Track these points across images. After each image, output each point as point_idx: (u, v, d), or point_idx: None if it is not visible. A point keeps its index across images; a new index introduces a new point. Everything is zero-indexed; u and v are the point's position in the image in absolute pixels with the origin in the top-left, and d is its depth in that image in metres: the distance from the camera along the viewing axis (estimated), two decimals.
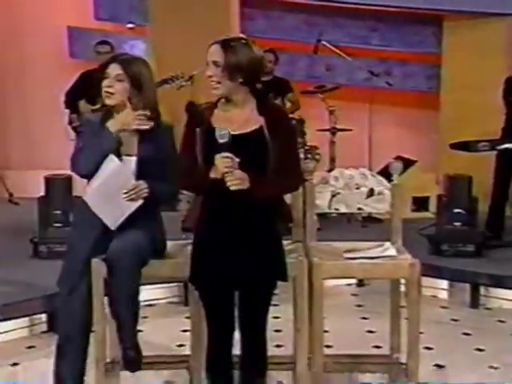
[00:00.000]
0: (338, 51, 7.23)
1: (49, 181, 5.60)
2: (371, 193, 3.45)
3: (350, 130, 6.83)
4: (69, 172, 5.80)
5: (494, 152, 5.77)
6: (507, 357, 4.20)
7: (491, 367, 4.07)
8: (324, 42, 7.16)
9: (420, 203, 6.88)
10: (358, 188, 3.44)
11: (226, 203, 2.72)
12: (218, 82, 2.71)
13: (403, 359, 3.40)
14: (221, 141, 2.67)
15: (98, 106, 5.60)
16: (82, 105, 6.18)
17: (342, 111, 6.83)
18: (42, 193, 5.60)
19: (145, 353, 3.42)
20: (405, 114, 7.95)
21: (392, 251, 3.31)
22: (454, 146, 5.87)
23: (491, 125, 6.05)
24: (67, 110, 6.42)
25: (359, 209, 3.48)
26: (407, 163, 6.88)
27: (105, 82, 3.12)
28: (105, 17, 8.19)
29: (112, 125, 3.09)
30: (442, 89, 7.79)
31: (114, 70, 3.10)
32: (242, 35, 2.88)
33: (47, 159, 7.65)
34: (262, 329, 2.90)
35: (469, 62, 7.32)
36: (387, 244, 3.39)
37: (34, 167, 7.77)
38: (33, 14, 8.00)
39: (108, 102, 3.14)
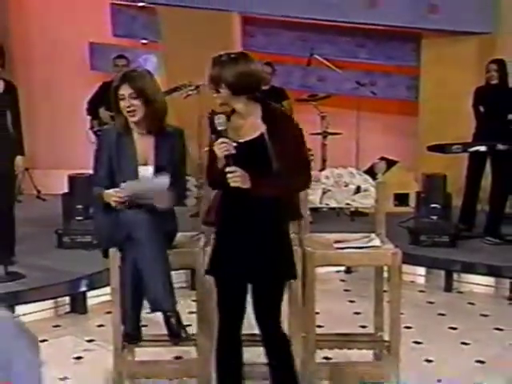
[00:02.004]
0: (328, 64, 7.23)
1: (72, 179, 5.60)
2: (358, 190, 3.43)
3: (340, 133, 6.81)
4: (90, 171, 5.87)
5: (466, 153, 5.76)
6: (477, 334, 4.21)
7: (463, 343, 4.09)
8: (316, 56, 7.16)
9: (401, 199, 6.86)
10: (346, 185, 3.42)
11: (240, 201, 2.68)
12: (216, 92, 2.69)
13: (386, 337, 3.39)
14: (219, 128, 2.64)
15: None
16: (102, 112, 6.16)
17: (333, 117, 6.81)
18: (66, 190, 5.60)
19: (156, 332, 3.43)
20: (388, 120, 7.93)
21: (376, 242, 3.29)
22: (431, 149, 5.85)
23: (464, 130, 6.03)
24: (89, 117, 6.40)
25: (347, 204, 3.46)
26: (390, 163, 6.88)
27: (123, 104, 3.01)
28: (122, 33, 8.18)
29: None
30: (420, 98, 7.77)
31: (126, 89, 2.99)
32: (235, 51, 2.82)
33: (71, 160, 7.64)
34: (276, 320, 2.81)
35: (444, 74, 7.30)
36: (372, 235, 3.38)
37: (58, 167, 7.75)
38: (60, 31, 7.99)
39: (133, 119, 3.03)
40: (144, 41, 7.82)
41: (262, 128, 2.71)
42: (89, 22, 8.00)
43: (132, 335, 3.10)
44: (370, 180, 3.49)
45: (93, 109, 6.33)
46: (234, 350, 2.90)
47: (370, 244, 3.26)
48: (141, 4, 7.71)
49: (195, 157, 6.20)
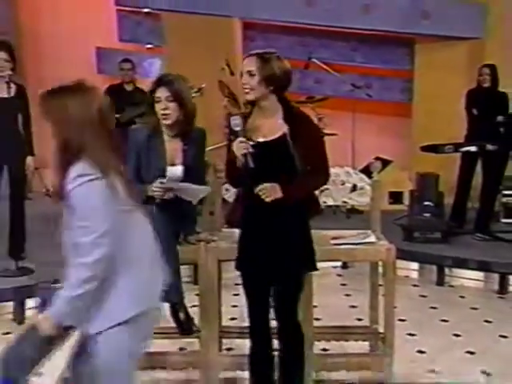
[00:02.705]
0: (325, 67, 7.22)
1: None
2: (354, 188, 3.45)
3: (336, 134, 6.80)
4: None
5: (458, 154, 5.76)
6: (467, 326, 4.22)
7: (454, 335, 4.10)
8: (314, 60, 7.16)
9: (395, 197, 6.86)
10: (342, 184, 3.43)
11: (262, 200, 2.65)
12: (252, 89, 2.64)
13: (381, 329, 3.39)
14: (236, 128, 2.63)
15: (120, 115, 5.61)
16: None
17: (329, 118, 6.80)
18: None
19: (162, 325, 3.42)
20: (383, 121, 7.93)
21: (372, 238, 3.29)
22: (424, 149, 5.86)
23: (456, 131, 6.03)
24: None
25: (344, 202, 3.47)
26: (385, 163, 6.86)
27: (159, 106, 2.99)
28: (127, 38, 8.18)
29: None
30: (414, 100, 7.78)
31: (163, 92, 2.98)
32: (273, 50, 2.76)
33: None
34: (294, 312, 2.82)
35: (436, 77, 7.31)
36: (368, 232, 3.37)
37: None
38: (69, 37, 7.98)
39: (167, 122, 3.02)
40: (149, 45, 7.80)
41: (284, 128, 2.68)
42: (96, 27, 8.00)
43: None
44: (366, 179, 3.50)
45: None
46: (263, 340, 2.89)
47: (365, 240, 3.26)
48: (146, 10, 7.70)
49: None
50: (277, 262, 2.71)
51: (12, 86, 4.65)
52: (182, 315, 2.96)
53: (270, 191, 2.60)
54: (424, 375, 3.47)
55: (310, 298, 3.20)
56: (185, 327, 2.97)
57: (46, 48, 8.17)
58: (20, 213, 4.85)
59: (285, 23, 7.63)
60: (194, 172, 3.06)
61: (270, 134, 2.69)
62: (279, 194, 2.60)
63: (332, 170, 3.13)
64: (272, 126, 2.70)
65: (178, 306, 2.96)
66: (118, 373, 2.16)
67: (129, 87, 6.26)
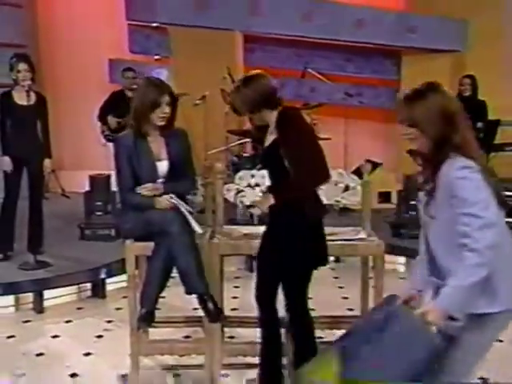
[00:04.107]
0: (320, 77, 7.22)
1: (92, 179, 5.59)
2: (346, 188, 3.43)
3: (330, 138, 6.77)
4: (107, 172, 5.89)
5: None
6: None
7: None
8: (309, 69, 7.16)
9: (384, 197, 6.83)
10: (336, 184, 3.41)
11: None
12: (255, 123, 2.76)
13: None
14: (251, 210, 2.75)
15: (121, 120, 5.61)
16: (110, 119, 6.18)
17: (323, 124, 6.79)
18: (87, 188, 5.58)
19: (168, 314, 3.42)
20: (373, 127, 7.93)
21: (363, 234, 3.27)
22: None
23: None
24: (99, 123, 6.40)
25: (337, 201, 3.44)
26: (374, 165, 6.82)
27: (160, 110, 3.00)
28: (137, 50, 8.15)
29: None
30: None
31: (166, 99, 3.00)
32: (252, 73, 2.79)
33: (91, 162, 7.61)
34: (304, 302, 2.83)
35: None
36: (359, 229, 3.37)
37: (81, 168, 7.73)
38: (83, 49, 7.97)
39: (162, 123, 3.03)
40: (157, 56, 7.78)
41: (275, 135, 2.71)
42: (108, 40, 7.99)
43: (147, 316, 3.08)
44: (357, 180, 3.47)
45: (103, 115, 6.32)
46: (273, 328, 2.90)
47: (357, 236, 3.25)
48: (154, 24, 7.68)
49: (201, 157, 6.19)
50: (282, 257, 2.71)
51: (31, 94, 4.64)
52: (210, 305, 2.95)
53: (260, 203, 2.66)
54: None
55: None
56: (213, 315, 2.97)
57: (62, 60, 8.15)
58: (38, 211, 4.85)
59: (282, 36, 7.61)
60: (179, 167, 3.10)
61: (268, 140, 2.74)
62: (271, 202, 2.64)
63: None
64: (271, 133, 2.75)
65: (205, 297, 2.95)
66: (469, 360, 2.06)
67: (130, 93, 6.26)
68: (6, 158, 4.63)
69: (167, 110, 3.00)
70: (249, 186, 3.20)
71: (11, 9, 7.30)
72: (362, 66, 7.86)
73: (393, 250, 5.04)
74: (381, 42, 7.37)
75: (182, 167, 3.12)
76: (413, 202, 5.53)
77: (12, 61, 4.63)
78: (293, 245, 2.72)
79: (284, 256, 2.72)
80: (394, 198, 6.41)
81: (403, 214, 5.61)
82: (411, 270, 2.35)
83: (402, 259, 5.32)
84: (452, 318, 1.97)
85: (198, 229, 3.03)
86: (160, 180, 3.07)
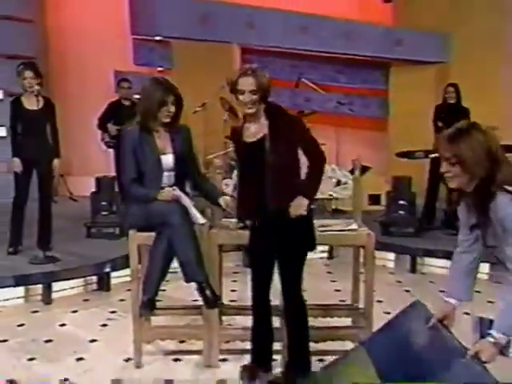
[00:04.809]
0: (313, 87, 7.25)
1: (98, 180, 5.59)
2: (338, 183, 3.42)
3: (324, 144, 6.79)
4: (112, 174, 5.89)
5: (428, 159, 5.75)
6: (436, 305, 4.11)
7: None
8: (303, 80, 7.18)
9: (374, 199, 6.83)
10: (329, 179, 3.41)
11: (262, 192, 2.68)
12: (253, 104, 2.66)
13: (361, 306, 3.36)
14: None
15: (120, 127, 5.60)
16: (110, 126, 6.21)
17: (316, 131, 6.75)
18: (94, 189, 5.57)
19: (170, 303, 3.40)
20: (363, 134, 7.95)
21: (354, 226, 3.28)
22: (399, 155, 5.87)
23: (426, 141, 6.01)
24: (99, 131, 6.43)
25: (330, 195, 3.44)
26: (364, 169, 6.83)
27: (166, 109, 3.01)
28: (142, 63, 8.15)
29: None
30: (389, 115, 7.80)
31: (171, 98, 3.01)
32: (254, 65, 2.76)
33: (98, 168, 7.59)
34: (298, 288, 2.82)
35: (408, 96, 7.37)
36: (351, 221, 3.36)
37: (87, 174, 7.71)
38: (91, 61, 8.00)
39: (168, 120, 3.04)
40: (160, 68, 7.80)
41: (265, 129, 2.69)
42: (114, 53, 8.02)
43: (148, 303, 3.06)
44: (349, 175, 3.48)
45: (102, 124, 6.35)
46: (265, 313, 2.89)
47: (348, 228, 3.25)
48: (157, 38, 7.71)
49: (200, 161, 6.18)
50: (281, 242, 2.71)
51: (40, 99, 4.65)
52: (208, 292, 2.94)
53: (298, 208, 2.60)
54: None
55: None
56: (211, 302, 2.97)
57: (71, 72, 8.17)
58: (47, 210, 4.83)
59: (278, 48, 7.64)
60: (183, 160, 3.10)
61: (255, 136, 2.72)
62: (306, 203, 2.62)
63: None
64: (257, 129, 2.73)
65: (204, 285, 2.94)
66: None
67: (126, 102, 6.31)
68: (16, 160, 4.64)
69: (172, 108, 3.02)
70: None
71: (23, 24, 7.34)
72: (353, 76, 7.90)
73: (382, 246, 5.02)
74: (370, 54, 7.41)
75: (185, 161, 3.11)
76: (401, 202, 5.56)
77: (19, 68, 4.67)
78: (300, 226, 2.71)
79: (289, 237, 2.70)
80: (383, 200, 6.40)
81: (392, 213, 5.61)
82: (450, 278, 2.36)
83: (391, 255, 5.32)
84: (502, 353, 2.00)
85: (200, 219, 3.02)
86: (166, 174, 3.05)
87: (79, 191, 7.54)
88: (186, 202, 3.01)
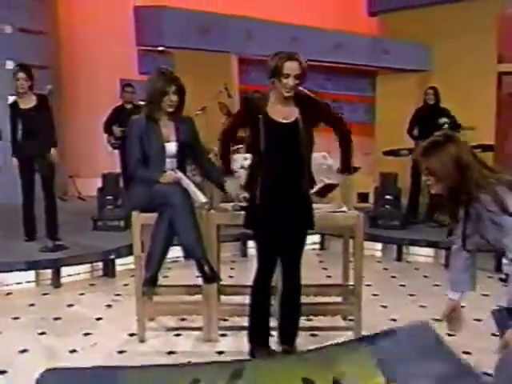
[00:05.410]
0: (306, 92, 7.25)
1: (105, 176, 5.60)
2: (329, 169, 3.43)
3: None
4: (117, 171, 5.87)
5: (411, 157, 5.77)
6: (420, 289, 4.23)
7: (409, 295, 4.10)
8: None
9: (363, 197, 6.83)
10: (320, 166, 3.41)
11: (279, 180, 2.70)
12: (292, 89, 2.66)
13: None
14: None
15: (125, 129, 5.60)
16: (115, 129, 6.24)
17: None
18: (100, 185, 5.57)
19: (168, 282, 3.36)
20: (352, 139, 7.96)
21: (344, 208, 3.28)
22: (386, 153, 5.90)
23: (409, 145, 6.04)
24: (105, 134, 6.44)
25: (321, 180, 3.43)
26: (354, 169, 6.84)
27: (168, 98, 3.01)
28: (146, 71, 8.16)
29: None
30: (376, 122, 7.84)
31: (173, 88, 3.02)
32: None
33: (104, 170, 7.58)
34: (299, 268, 2.85)
35: (393, 103, 7.40)
36: (341, 204, 3.36)
37: (95, 175, 7.68)
38: (99, 70, 8.02)
39: (171, 110, 3.04)
40: (161, 48, 7.82)
41: (296, 113, 2.70)
42: (120, 62, 8.06)
43: (150, 279, 3.05)
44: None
45: (108, 127, 6.39)
46: (266, 294, 2.87)
47: (339, 210, 3.25)
48: (160, 48, 7.74)
49: None
50: (286, 220, 2.70)
51: (33, 97, 4.64)
52: (206, 268, 2.94)
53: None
54: (386, 322, 3.44)
55: None
56: (209, 277, 2.96)
57: (80, 77, 8.17)
58: (51, 200, 4.80)
59: None
60: (186, 148, 3.11)
61: (288, 118, 2.70)
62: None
63: (313, 155, 3.11)
64: (290, 112, 2.71)
65: (202, 261, 2.93)
66: None
67: (128, 106, 6.38)
68: (14, 160, 4.67)
69: (174, 98, 3.02)
70: (242, 167, 3.19)
71: (37, 35, 7.37)
72: (341, 84, 7.94)
73: (371, 237, 5.07)
74: (357, 62, 7.44)
75: (188, 149, 3.12)
76: (388, 197, 5.58)
77: (14, 70, 4.69)
78: (309, 205, 2.76)
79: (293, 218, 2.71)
80: (371, 198, 6.42)
81: (379, 207, 5.63)
82: (451, 275, 2.37)
83: (379, 246, 5.32)
84: None
85: (202, 198, 3.02)
86: (168, 160, 3.06)
87: (87, 191, 7.53)
88: (187, 183, 3.02)
